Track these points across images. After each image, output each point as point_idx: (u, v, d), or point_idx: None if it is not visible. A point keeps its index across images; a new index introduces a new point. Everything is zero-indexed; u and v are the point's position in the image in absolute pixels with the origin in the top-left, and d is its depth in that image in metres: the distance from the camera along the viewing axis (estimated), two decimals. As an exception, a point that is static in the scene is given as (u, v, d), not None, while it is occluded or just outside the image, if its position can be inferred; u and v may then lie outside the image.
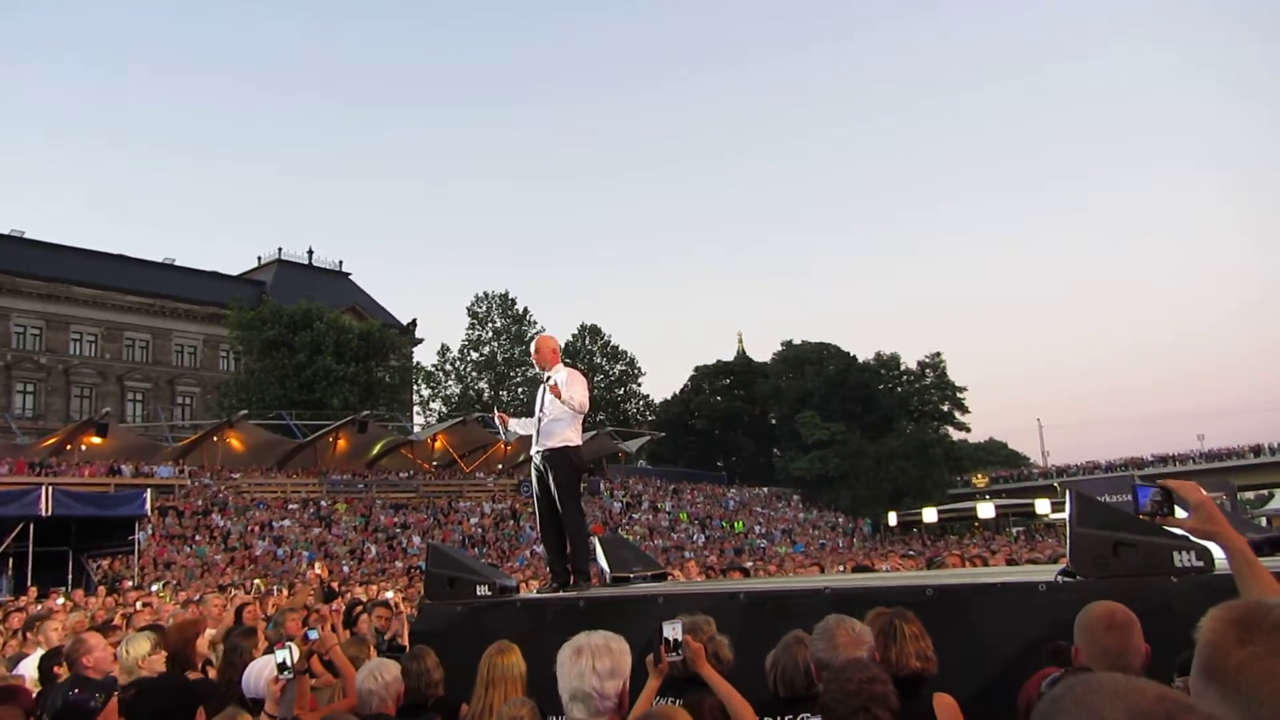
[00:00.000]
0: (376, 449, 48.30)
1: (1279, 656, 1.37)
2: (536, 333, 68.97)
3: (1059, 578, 4.28)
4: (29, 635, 8.92)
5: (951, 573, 9.69)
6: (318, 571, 16.16)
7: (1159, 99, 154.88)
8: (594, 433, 52.84)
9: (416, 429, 56.14)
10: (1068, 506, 4.41)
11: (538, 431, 7.27)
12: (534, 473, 7.39)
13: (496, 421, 7.85)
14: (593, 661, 3.05)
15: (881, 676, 2.87)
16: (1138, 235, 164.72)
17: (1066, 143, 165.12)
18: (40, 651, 6.90)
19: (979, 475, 73.78)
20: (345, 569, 31.05)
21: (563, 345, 8.10)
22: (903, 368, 74.77)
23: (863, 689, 2.75)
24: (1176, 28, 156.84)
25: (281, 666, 4.30)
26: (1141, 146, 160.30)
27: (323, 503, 41.17)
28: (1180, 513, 2.93)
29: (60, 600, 14.88)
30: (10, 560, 20.64)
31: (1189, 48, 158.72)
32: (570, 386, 7.16)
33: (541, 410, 7.32)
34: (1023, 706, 3.03)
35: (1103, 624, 3.18)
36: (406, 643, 8.07)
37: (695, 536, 47.47)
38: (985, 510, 49.04)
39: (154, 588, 18.60)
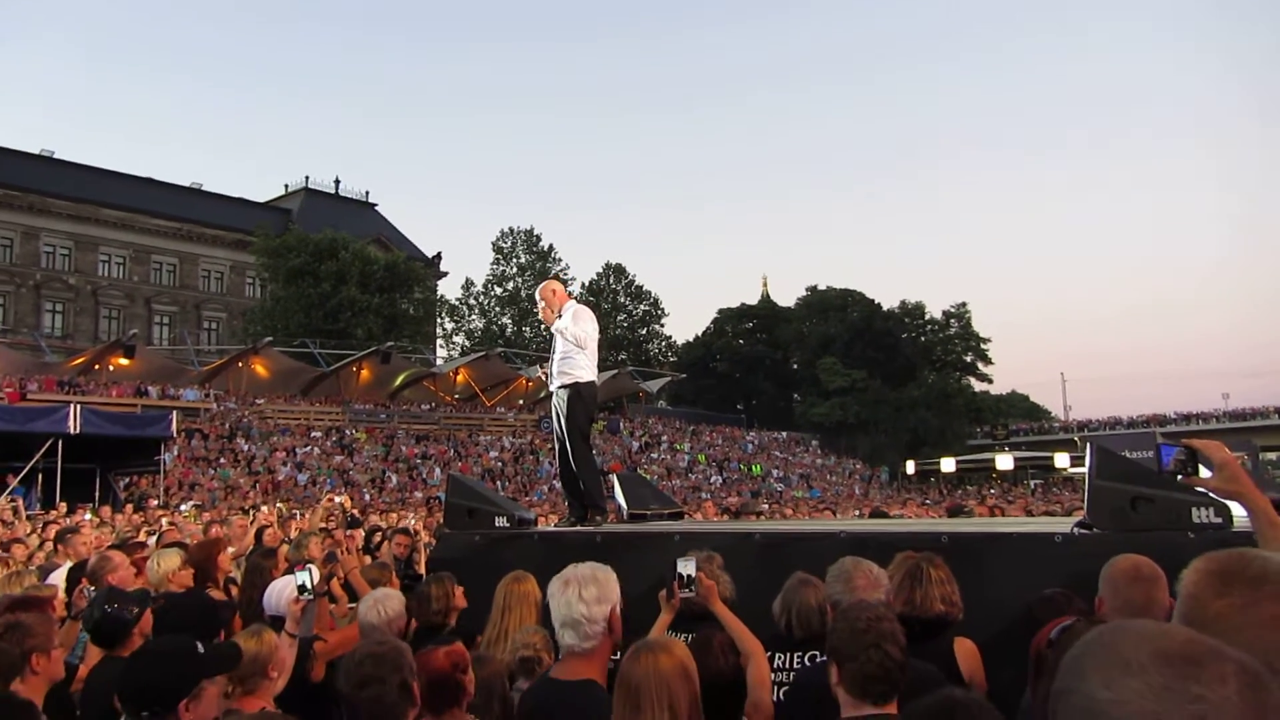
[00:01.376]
0: (399, 380, 48.63)
1: (1256, 607, 1.38)
2: (560, 270, 69.18)
3: (1075, 530, 4.27)
4: (59, 547, 9.12)
5: (966, 521, 9.71)
6: (339, 500, 16.33)
7: (1190, 58, 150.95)
8: (614, 372, 53.00)
9: (439, 362, 56.45)
10: (1087, 459, 4.38)
11: (553, 369, 7.30)
12: (553, 410, 7.43)
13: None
14: (579, 589, 3.16)
15: (889, 615, 2.89)
16: (1168, 190, 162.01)
17: (1097, 100, 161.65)
18: (69, 564, 7.05)
19: (1000, 427, 73.47)
20: (366, 497, 31.46)
21: (587, 283, 8.03)
22: (927, 317, 74.27)
23: (871, 627, 2.77)
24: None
25: (302, 588, 4.38)
26: (1173, 101, 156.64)
27: (345, 431, 41.61)
28: (1204, 472, 2.91)
29: (88, 516, 15.16)
30: (39, 476, 20.99)
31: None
32: (576, 322, 7.15)
33: (553, 350, 7.34)
34: (1034, 656, 3.04)
35: (1127, 576, 3.19)
36: (423, 570, 8.20)
37: (712, 478, 47.73)
38: (1004, 462, 48.95)
39: (183, 508, 18.91)
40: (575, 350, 7.14)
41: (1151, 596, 3.11)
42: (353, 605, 5.44)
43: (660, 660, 2.79)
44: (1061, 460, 47.92)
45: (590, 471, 7.24)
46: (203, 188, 73.00)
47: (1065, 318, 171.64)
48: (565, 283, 7.63)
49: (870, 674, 2.74)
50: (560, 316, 7.24)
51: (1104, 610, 3.21)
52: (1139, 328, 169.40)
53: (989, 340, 73.45)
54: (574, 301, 7.48)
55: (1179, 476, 3.05)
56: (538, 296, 7.50)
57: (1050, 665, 2.78)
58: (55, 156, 65.26)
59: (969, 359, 74.17)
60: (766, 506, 21.40)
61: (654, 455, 49.38)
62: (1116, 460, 4.32)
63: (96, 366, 40.63)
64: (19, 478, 20.20)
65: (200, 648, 3.20)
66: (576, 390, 7.15)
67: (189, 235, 67.12)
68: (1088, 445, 4.47)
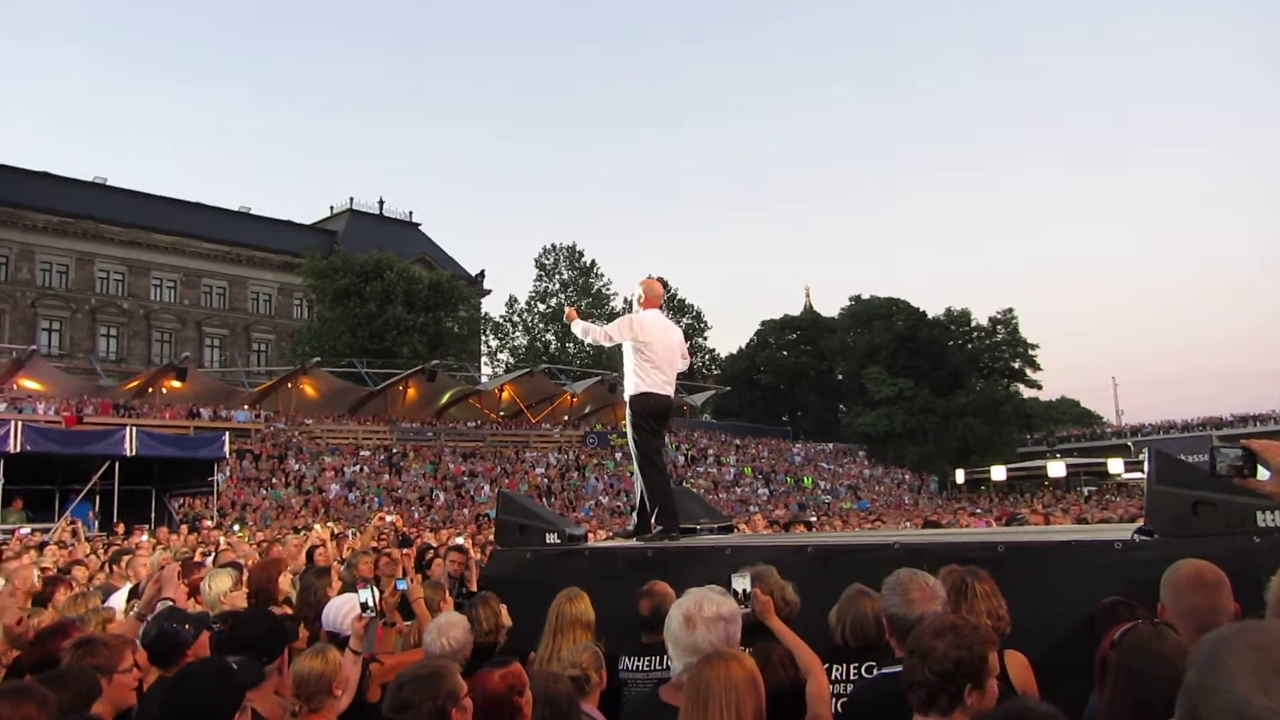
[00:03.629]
0: (445, 398, 48.96)
1: None
2: (602, 285, 69.32)
3: (1136, 536, 4.20)
4: (115, 569, 9.29)
5: (1023, 530, 9.58)
6: (390, 520, 16.48)
7: (1233, 55, 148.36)
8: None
9: (484, 379, 56.79)
10: (1146, 464, 4.31)
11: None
12: None
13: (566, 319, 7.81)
14: (709, 635, 3.20)
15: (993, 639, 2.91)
16: (1216, 187, 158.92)
17: (1142, 98, 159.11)
18: (129, 585, 7.16)
19: (1051, 433, 72.40)
20: (415, 515, 31.70)
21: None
22: (973, 324, 73.56)
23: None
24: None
25: (364, 605, 4.43)
26: (1218, 105, 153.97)
27: (393, 450, 41.97)
28: (1263, 474, 2.85)
29: (145, 537, 15.41)
30: (97, 497, 21.41)
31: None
32: (616, 329, 7.14)
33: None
34: (1100, 662, 2.99)
35: (1190, 582, 3.13)
36: (474, 588, 8.23)
37: (759, 491, 47.49)
38: (1056, 469, 48.16)
39: (235, 528, 19.18)
40: (630, 360, 7.09)
41: (1216, 603, 3.05)
42: (408, 623, 5.48)
43: (732, 668, 2.85)
44: (1115, 466, 47.01)
45: (650, 485, 7.03)
46: (251, 211, 74.16)
47: (1115, 321, 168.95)
48: (661, 286, 7.21)
49: None
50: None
51: (1166, 617, 3.14)
52: (1192, 328, 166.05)
53: (1037, 346, 72.71)
54: (641, 309, 7.29)
55: (1236, 478, 2.98)
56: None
57: (1114, 668, 2.73)
58: (108, 184, 66.74)
59: (1017, 365, 73.33)
60: (815, 517, 21.25)
61: (700, 469, 49.26)
62: (1176, 465, 4.25)
63: (150, 389, 41.36)
64: (79, 498, 20.63)
65: (235, 666, 3.26)
66: (633, 402, 7.12)
67: (238, 258, 68.28)
68: (1145, 450, 4.41)
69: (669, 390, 7.23)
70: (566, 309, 7.76)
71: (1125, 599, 3.59)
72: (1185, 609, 3.08)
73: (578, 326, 7.30)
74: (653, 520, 6.88)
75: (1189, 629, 2.92)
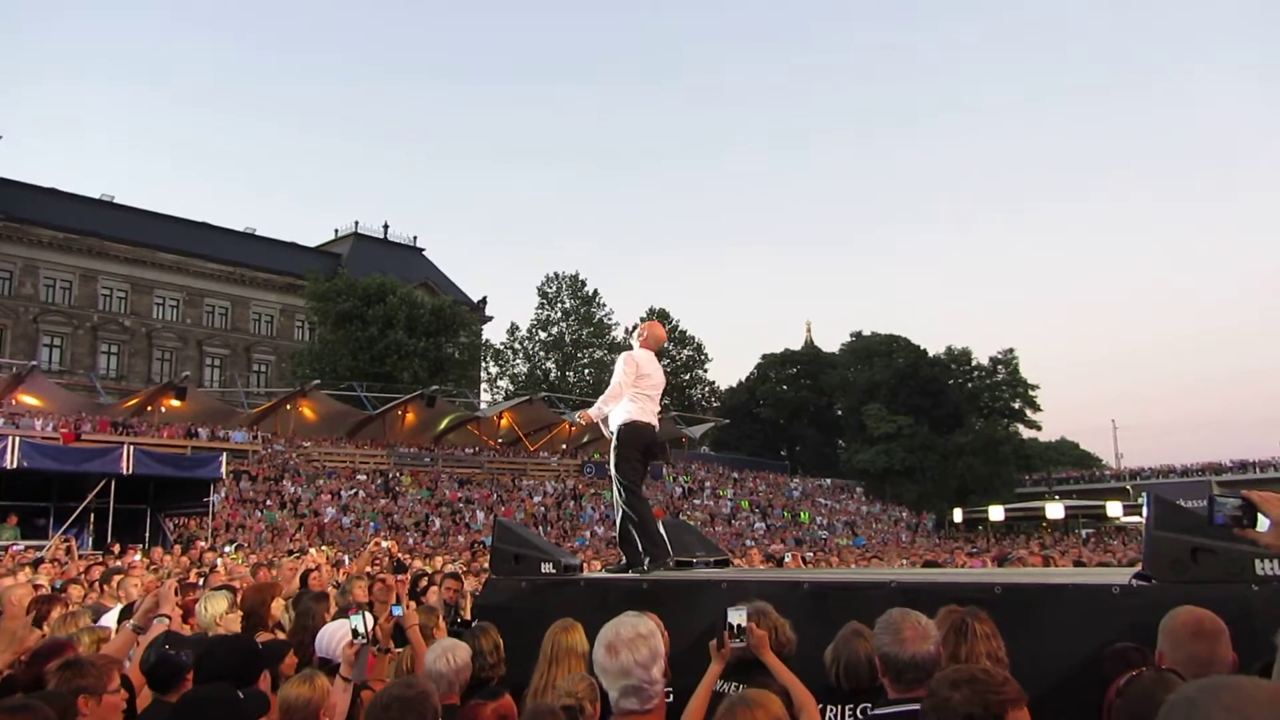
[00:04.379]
0: (443, 424, 48.92)
1: None
2: (604, 315, 69.59)
3: (1134, 581, 4.19)
4: (106, 588, 9.25)
5: (1020, 571, 9.54)
6: (385, 545, 16.43)
7: (1234, 88, 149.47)
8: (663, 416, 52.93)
9: (483, 406, 56.76)
10: (1145, 509, 4.30)
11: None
12: None
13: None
14: (632, 654, 3.08)
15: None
16: (1217, 233, 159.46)
17: (1141, 139, 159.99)
18: (119, 606, 7.13)
19: (1049, 474, 72.37)
20: (410, 541, 31.57)
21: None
22: (974, 363, 73.69)
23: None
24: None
25: (355, 632, 4.40)
26: (1222, 147, 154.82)
27: (390, 474, 41.87)
28: (1263, 524, 2.84)
29: (138, 557, 15.35)
30: (92, 516, 21.35)
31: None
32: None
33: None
34: (1106, 710, 2.97)
35: (1189, 630, 3.11)
36: (468, 615, 8.18)
37: (756, 524, 47.34)
38: (1054, 510, 48.01)
39: (227, 549, 19.11)
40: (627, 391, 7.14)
41: (1214, 652, 3.03)
42: (399, 650, 5.44)
43: (757, 716, 2.85)
44: (1114, 509, 46.90)
45: (637, 515, 7.05)
46: (255, 232, 74.44)
47: (1116, 364, 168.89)
48: (661, 325, 7.39)
49: None
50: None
51: (1165, 665, 3.11)
52: (1192, 373, 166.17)
53: (1037, 387, 72.87)
54: (639, 348, 7.42)
55: (1235, 528, 2.97)
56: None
57: (1118, 715, 2.71)
58: (115, 201, 67.06)
59: (1017, 405, 73.42)
60: (811, 555, 21.12)
61: (697, 501, 49.12)
62: (1176, 510, 4.24)
63: (149, 408, 41.27)
64: (72, 518, 20.57)
65: (241, 695, 3.23)
66: (618, 432, 7.17)
67: (241, 279, 68.47)
68: (1144, 494, 4.39)
69: (654, 421, 7.34)
70: (580, 415, 7.60)
71: (1137, 645, 3.56)
72: (1184, 658, 3.06)
73: (595, 412, 7.24)
74: (642, 551, 6.87)
75: (1187, 678, 2.89)
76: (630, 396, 7.13)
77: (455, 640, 4.50)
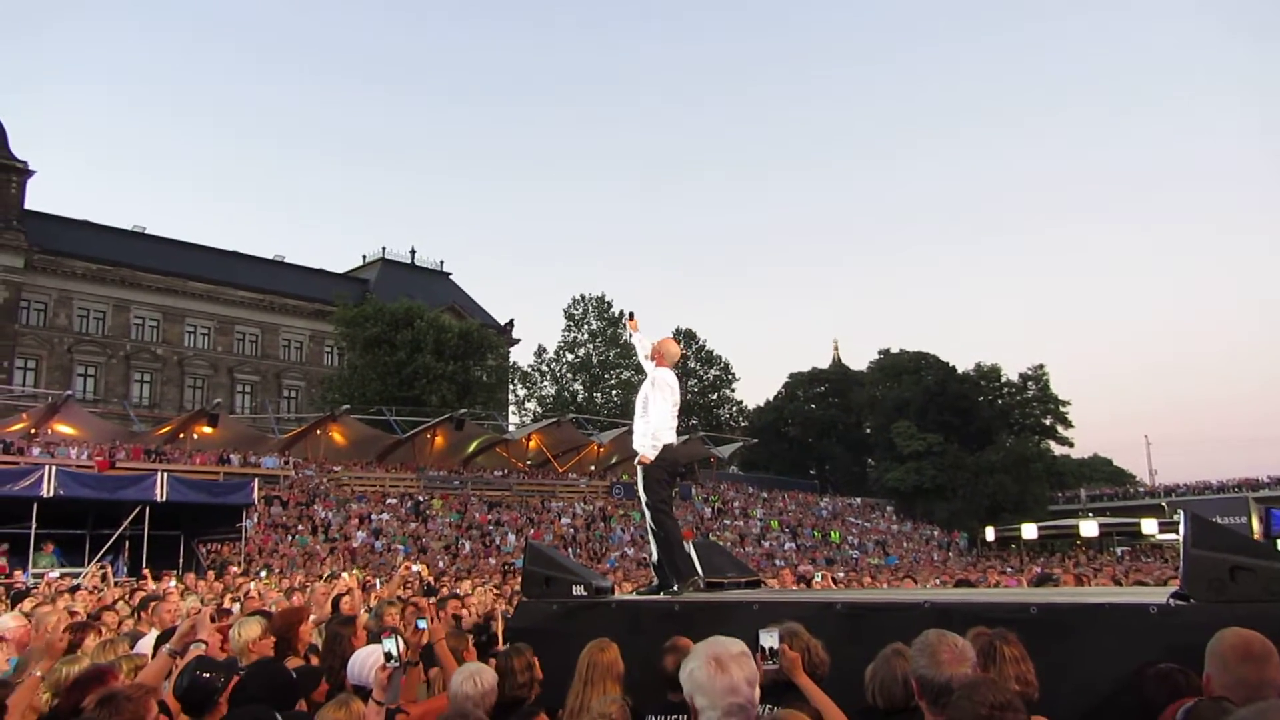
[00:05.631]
0: (472, 447, 49.09)
1: None
2: (629, 337, 70.35)
3: (1171, 601, 4.14)
4: (143, 615, 9.32)
5: (1056, 591, 9.44)
6: (415, 569, 16.46)
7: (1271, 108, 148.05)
8: (686, 437, 52.87)
9: (511, 428, 56.95)
10: (1181, 527, 4.25)
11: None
12: None
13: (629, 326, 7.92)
14: (742, 673, 2.94)
15: (1017, 705, 2.74)
16: (1251, 247, 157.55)
17: (1180, 160, 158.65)
18: (155, 632, 7.19)
19: (1082, 491, 71.55)
20: (440, 564, 31.64)
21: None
22: (1004, 379, 73.01)
23: (994, 716, 2.65)
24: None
25: (388, 655, 4.42)
26: (1256, 164, 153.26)
27: (420, 498, 42.03)
28: None
29: (173, 583, 15.46)
30: (127, 543, 21.54)
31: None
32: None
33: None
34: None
35: (1237, 654, 3.05)
36: (500, 639, 8.18)
37: (786, 545, 47.08)
38: (1088, 528, 47.32)
39: (261, 574, 19.23)
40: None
41: (1263, 675, 2.98)
42: (434, 669, 5.46)
43: None
44: (1149, 527, 46.14)
45: (667, 536, 7.08)
46: (285, 260, 75.20)
47: (1148, 379, 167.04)
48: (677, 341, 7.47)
49: None
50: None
51: (1212, 688, 3.08)
52: (1226, 387, 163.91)
53: (1068, 403, 72.02)
54: (657, 369, 7.43)
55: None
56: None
57: None
58: (146, 232, 68.02)
59: (1048, 422, 72.63)
60: (844, 575, 20.96)
61: (726, 521, 48.94)
62: (1213, 528, 4.19)
63: (181, 435, 41.72)
64: (107, 545, 20.76)
65: (279, 718, 3.25)
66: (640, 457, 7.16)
67: (271, 306, 69.17)
68: (1180, 512, 4.35)
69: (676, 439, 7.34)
70: (639, 460, 7.40)
71: (1180, 666, 3.50)
72: (1232, 681, 3.00)
73: (652, 453, 7.16)
74: (670, 573, 6.87)
75: (1237, 702, 2.85)
76: (657, 419, 7.13)
77: (481, 664, 4.51)
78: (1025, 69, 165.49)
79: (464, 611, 8.62)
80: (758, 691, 3.00)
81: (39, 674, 4.71)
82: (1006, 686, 2.97)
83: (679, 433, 7.48)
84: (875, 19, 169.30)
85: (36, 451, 33.53)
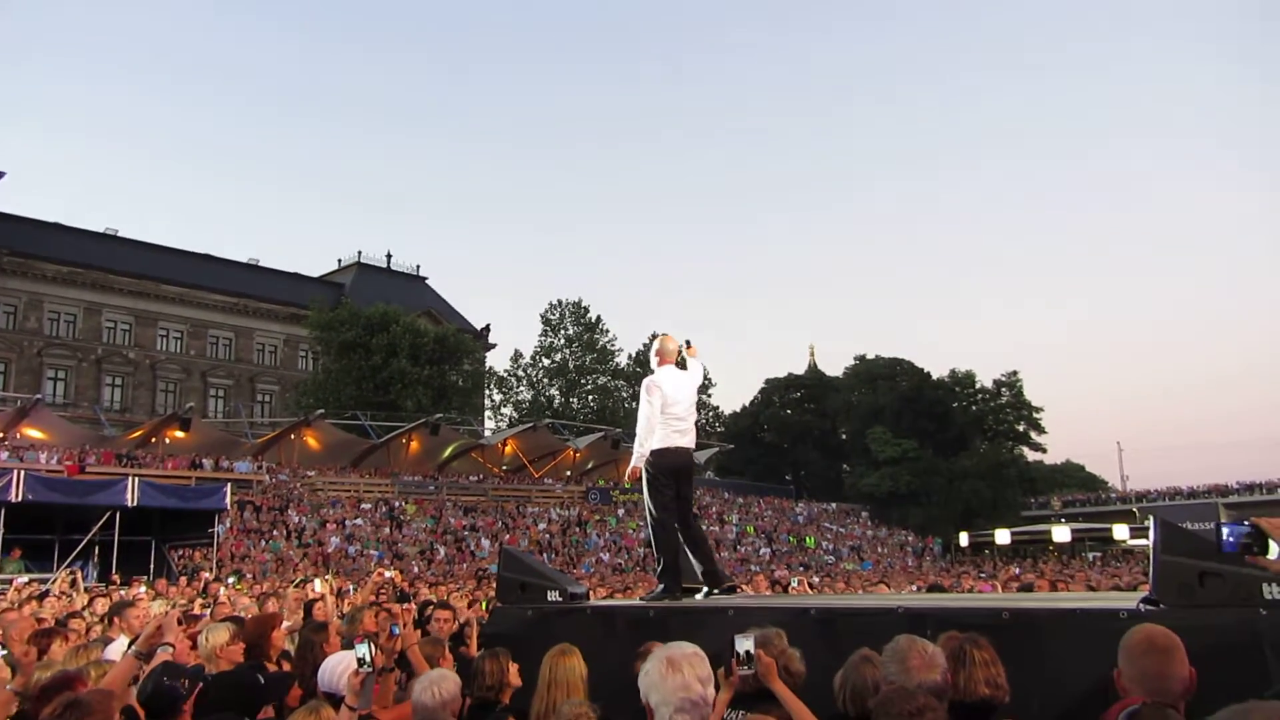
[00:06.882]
0: (448, 452, 48.90)
1: None
2: (607, 341, 69.72)
3: (1141, 606, 4.17)
4: (114, 621, 9.22)
5: (1028, 596, 9.51)
6: (389, 575, 16.37)
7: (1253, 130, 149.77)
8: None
9: (487, 433, 56.80)
10: (1151, 533, 4.28)
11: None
12: None
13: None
14: (694, 671, 3.11)
15: (933, 705, 2.80)
16: (1224, 255, 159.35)
17: (1155, 170, 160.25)
18: (124, 638, 7.12)
19: (1055, 497, 72.15)
20: (415, 569, 31.48)
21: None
22: (978, 386, 73.57)
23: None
24: None
25: (361, 661, 4.39)
26: (1230, 175, 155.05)
27: (394, 503, 41.82)
28: (1274, 550, 2.84)
29: (143, 589, 15.32)
30: (97, 548, 21.32)
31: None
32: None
33: None
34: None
35: (1141, 647, 3.16)
36: (474, 647, 8.13)
37: (761, 550, 47.17)
38: (1060, 534, 47.81)
39: (230, 580, 19.08)
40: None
41: (1166, 669, 3.08)
42: (403, 674, 5.43)
43: None
44: (1121, 532, 46.66)
45: (661, 543, 7.05)
46: (259, 263, 74.68)
47: (1120, 386, 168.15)
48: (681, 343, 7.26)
49: None
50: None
51: (1122, 682, 3.18)
52: (1197, 394, 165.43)
53: (1042, 410, 72.61)
54: (658, 368, 7.37)
55: (1245, 555, 2.97)
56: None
57: None
58: (118, 235, 67.40)
59: (1021, 428, 73.20)
60: (818, 580, 21.01)
61: (702, 527, 48.85)
62: (1183, 534, 4.23)
63: (153, 439, 41.30)
64: (77, 551, 20.55)
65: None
66: (650, 457, 7.09)
67: (244, 310, 68.67)
68: (1151, 518, 4.39)
69: (687, 441, 7.18)
70: (629, 475, 7.41)
71: None
72: (1138, 674, 3.12)
73: (638, 459, 7.16)
74: (657, 576, 6.88)
75: (1142, 694, 2.99)
76: (659, 424, 7.05)
77: (443, 671, 4.48)
78: (1003, 87, 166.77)
79: (454, 625, 8.58)
80: (711, 690, 3.09)
81: (11, 689, 4.66)
82: (919, 694, 3.02)
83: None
84: (860, 32, 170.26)
85: (5, 456, 33.06)
